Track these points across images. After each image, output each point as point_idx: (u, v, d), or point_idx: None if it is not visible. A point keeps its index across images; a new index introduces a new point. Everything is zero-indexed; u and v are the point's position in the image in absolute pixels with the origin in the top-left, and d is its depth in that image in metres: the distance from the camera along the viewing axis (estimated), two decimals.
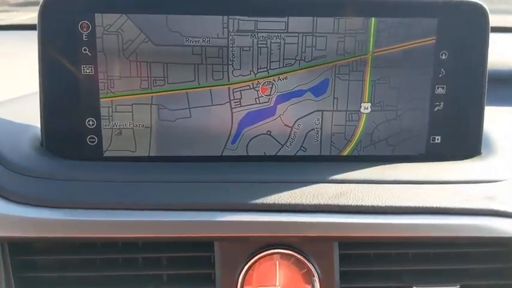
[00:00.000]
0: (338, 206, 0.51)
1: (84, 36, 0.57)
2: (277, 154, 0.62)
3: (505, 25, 1.09)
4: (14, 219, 0.49)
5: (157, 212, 0.50)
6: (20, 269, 0.51)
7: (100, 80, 0.59)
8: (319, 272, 0.52)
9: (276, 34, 0.59)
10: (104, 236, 0.50)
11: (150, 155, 0.60)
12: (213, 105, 0.60)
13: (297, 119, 0.61)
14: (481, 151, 0.62)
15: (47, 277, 0.54)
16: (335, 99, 0.61)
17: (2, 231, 0.49)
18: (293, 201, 0.51)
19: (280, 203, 0.51)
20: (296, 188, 0.53)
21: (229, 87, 0.60)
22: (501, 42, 1.00)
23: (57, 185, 0.52)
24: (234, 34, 0.58)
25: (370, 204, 0.51)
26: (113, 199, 0.51)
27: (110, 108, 0.60)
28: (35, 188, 0.51)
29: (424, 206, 0.52)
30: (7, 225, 0.49)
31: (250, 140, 0.61)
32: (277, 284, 0.52)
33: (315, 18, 0.58)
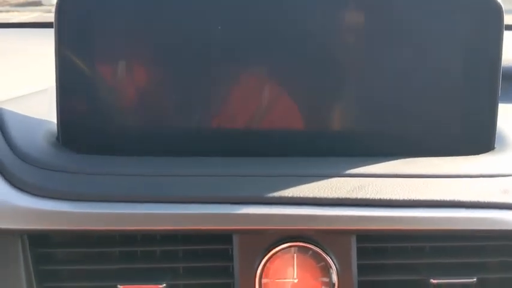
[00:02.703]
0: (356, 199, 0.51)
1: None
2: None
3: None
4: (33, 212, 0.49)
5: (176, 204, 0.50)
6: (39, 262, 0.51)
7: None
8: (337, 265, 0.52)
9: None
10: (122, 229, 0.50)
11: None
12: None
13: None
14: (495, 146, 0.62)
15: (66, 270, 0.54)
16: None
17: (22, 223, 0.49)
18: (311, 195, 0.51)
19: (298, 196, 0.51)
20: (314, 181, 0.53)
21: None
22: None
23: (75, 178, 0.52)
24: None
25: (387, 198, 0.51)
26: (132, 192, 0.51)
27: None
28: (53, 181, 0.51)
29: (441, 199, 0.52)
30: (27, 218, 0.49)
31: None
32: (295, 277, 0.52)
33: None
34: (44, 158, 0.54)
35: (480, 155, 0.61)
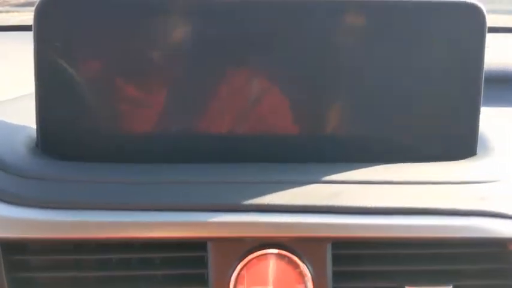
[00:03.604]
0: (331, 206, 0.51)
1: None
2: None
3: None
4: (6, 220, 0.49)
5: (151, 212, 0.50)
6: (12, 269, 0.51)
7: None
8: (312, 272, 0.52)
9: None
10: (96, 237, 0.50)
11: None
12: None
13: None
14: (477, 152, 0.62)
15: (40, 277, 0.54)
16: None
17: None
18: (286, 202, 0.51)
19: (273, 203, 0.51)
20: (290, 188, 0.53)
21: None
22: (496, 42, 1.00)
23: (49, 186, 0.52)
24: None
25: (363, 205, 0.51)
26: (107, 200, 0.51)
27: None
28: (28, 188, 0.51)
29: (417, 207, 0.52)
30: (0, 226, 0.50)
31: None
32: (270, 284, 0.52)
33: None
34: (21, 165, 0.54)
35: (461, 161, 0.60)
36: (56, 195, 0.51)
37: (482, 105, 0.62)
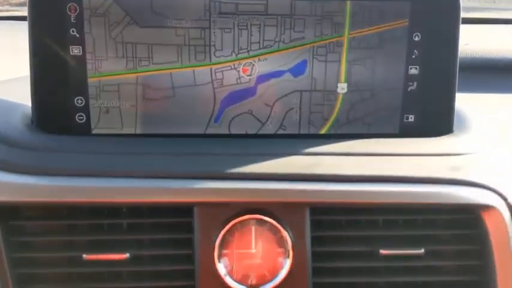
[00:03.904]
0: (310, 174, 0.54)
1: (72, 19, 0.60)
2: (258, 132, 0.65)
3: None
4: (3, 185, 0.52)
5: (141, 179, 0.53)
6: (8, 234, 0.54)
7: (88, 61, 0.61)
8: (292, 236, 0.54)
9: (256, 16, 0.62)
10: (87, 201, 0.53)
11: (136, 132, 0.63)
12: (196, 85, 0.63)
13: (277, 99, 0.64)
14: (453, 130, 0.65)
15: (35, 241, 0.56)
16: (313, 80, 0.64)
17: None
18: (268, 171, 0.54)
19: (256, 172, 0.54)
20: (271, 159, 0.56)
21: (211, 68, 0.63)
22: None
23: (44, 155, 0.55)
24: (215, 16, 0.61)
25: (339, 173, 0.54)
26: (98, 167, 0.54)
27: (98, 88, 0.62)
28: (24, 158, 0.54)
29: (392, 175, 0.55)
30: None
31: (232, 119, 0.64)
32: (253, 248, 0.55)
33: (294, 1, 0.61)
34: (18, 138, 0.57)
35: (437, 137, 0.63)
36: (49, 163, 0.54)
37: (465, 91, 0.65)
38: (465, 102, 0.69)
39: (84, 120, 0.63)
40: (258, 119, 0.65)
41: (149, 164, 0.55)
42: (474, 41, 0.93)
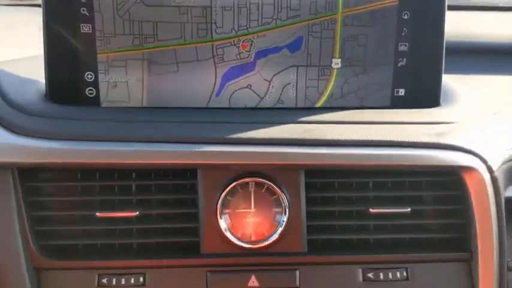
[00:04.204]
0: (304, 139, 0.58)
1: None
2: (257, 106, 0.69)
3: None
4: (21, 149, 0.57)
5: (148, 143, 0.58)
6: (27, 194, 0.59)
7: (97, 38, 0.65)
8: (288, 197, 0.59)
9: None
10: (98, 162, 0.57)
11: (143, 105, 0.67)
12: (198, 60, 0.67)
13: (275, 74, 0.68)
14: (440, 103, 0.69)
15: (51, 201, 0.61)
16: (309, 55, 0.68)
17: (11, 158, 0.57)
18: (266, 136, 0.59)
19: (255, 137, 0.59)
20: (270, 127, 0.60)
21: (212, 44, 0.67)
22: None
23: (58, 122, 0.59)
24: None
25: (332, 138, 0.58)
26: (108, 133, 0.58)
27: (106, 63, 0.66)
28: (40, 124, 0.59)
29: (382, 139, 0.59)
30: (15, 154, 0.57)
31: (232, 93, 0.68)
32: (252, 208, 0.59)
33: None
34: (33, 108, 0.61)
35: (425, 109, 0.67)
36: (64, 129, 0.59)
37: (460, 74, 0.69)
38: (452, 81, 0.73)
39: (94, 94, 0.67)
40: (256, 94, 0.69)
41: (156, 130, 0.59)
42: (463, 27, 0.97)
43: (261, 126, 0.60)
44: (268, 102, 0.69)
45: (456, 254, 0.61)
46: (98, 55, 0.66)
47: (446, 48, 0.67)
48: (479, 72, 0.86)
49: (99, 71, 0.67)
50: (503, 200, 0.61)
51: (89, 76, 0.67)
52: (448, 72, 0.69)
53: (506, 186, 0.64)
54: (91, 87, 0.67)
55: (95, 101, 0.67)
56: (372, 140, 0.59)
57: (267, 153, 0.57)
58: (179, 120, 0.61)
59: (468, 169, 0.59)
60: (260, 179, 0.59)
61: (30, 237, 0.58)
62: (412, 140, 0.59)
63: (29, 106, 0.61)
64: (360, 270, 0.60)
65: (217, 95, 0.68)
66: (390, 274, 0.60)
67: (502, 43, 0.93)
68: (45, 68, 0.65)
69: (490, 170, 0.60)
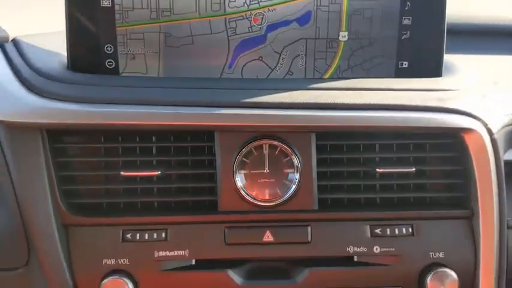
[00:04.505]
0: (316, 103, 0.62)
1: None
2: (268, 77, 0.72)
3: None
4: (49, 111, 0.61)
5: (168, 107, 0.61)
6: (55, 155, 0.63)
7: (116, 12, 0.69)
8: (299, 159, 0.62)
9: None
10: (121, 123, 0.60)
11: (160, 76, 0.71)
12: (212, 33, 0.71)
13: (285, 46, 0.72)
14: (442, 74, 0.72)
15: (78, 161, 0.65)
16: (317, 29, 0.71)
17: (40, 119, 0.61)
18: (279, 100, 0.62)
19: (269, 101, 0.62)
20: (282, 92, 0.64)
21: (225, 18, 0.70)
22: None
23: (82, 87, 0.63)
24: None
25: (341, 102, 0.62)
26: (130, 96, 0.61)
27: (125, 36, 0.70)
28: (65, 89, 0.63)
29: (387, 103, 0.62)
30: (44, 116, 0.61)
31: (244, 65, 0.72)
32: (266, 169, 0.63)
33: None
34: (59, 75, 0.65)
35: (428, 79, 0.71)
36: (88, 93, 0.62)
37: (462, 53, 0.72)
38: (453, 59, 0.77)
39: (113, 65, 0.70)
40: (267, 65, 0.72)
41: (174, 95, 0.62)
42: (466, 9, 1.01)
43: (273, 92, 0.64)
44: (278, 73, 0.72)
45: (458, 212, 0.65)
46: (117, 28, 0.69)
47: (447, 30, 0.70)
48: (480, 53, 0.90)
49: (118, 44, 0.70)
50: (502, 163, 0.65)
51: (109, 48, 0.70)
52: (449, 52, 0.72)
53: (505, 150, 0.68)
54: (110, 59, 0.70)
55: (114, 72, 0.70)
56: (378, 104, 0.62)
57: (280, 116, 0.61)
58: (196, 86, 0.65)
59: (469, 131, 0.62)
60: (273, 141, 0.62)
61: (58, 196, 0.62)
62: (416, 104, 0.62)
63: (54, 74, 0.64)
64: (368, 226, 0.64)
65: (230, 67, 0.72)
66: (396, 230, 0.63)
67: (502, 25, 0.97)
68: (67, 40, 0.69)
69: (489, 132, 0.63)
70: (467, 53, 0.88)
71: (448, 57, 0.72)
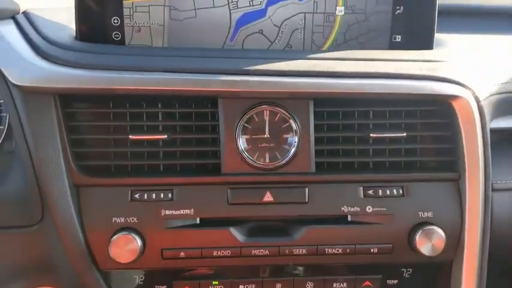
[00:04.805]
0: (314, 71, 0.66)
1: None
2: (268, 49, 0.76)
3: None
4: (61, 76, 0.64)
5: (174, 73, 0.65)
6: (67, 119, 0.66)
7: None
8: (298, 124, 0.66)
9: None
10: (130, 88, 0.64)
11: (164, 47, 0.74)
12: (214, 7, 0.74)
13: (284, 20, 0.75)
14: (433, 48, 0.76)
15: (88, 125, 0.68)
16: (315, 3, 0.75)
17: (53, 84, 0.64)
18: (279, 68, 0.66)
19: (269, 69, 0.66)
20: (282, 61, 0.67)
21: None
22: None
23: (91, 55, 0.66)
24: None
25: (338, 70, 0.66)
26: (137, 63, 0.65)
27: (131, 9, 0.73)
28: (75, 56, 0.66)
29: (381, 71, 0.66)
30: (56, 81, 0.64)
31: (245, 38, 0.75)
32: (267, 134, 0.67)
33: None
34: (68, 44, 0.68)
35: (420, 51, 0.74)
36: (97, 61, 0.66)
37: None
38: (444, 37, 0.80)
39: (120, 38, 0.73)
40: (267, 38, 0.76)
41: (180, 62, 0.66)
42: None
43: (274, 61, 0.67)
44: (278, 46, 0.76)
45: (446, 174, 0.69)
46: (124, 1, 0.72)
47: (440, 11, 0.74)
48: (472, 32, 0.93)
49: (124, 16, 0.73)
50: (488, 129, 0.69)
51: (115, 21, 0.73)
52: (441, 32, 0.76)
53: (492, 118, 0.72)
54: (117, 32, 0.73)
55: (121, 44, 0.73)
56: (373, 72, 0.66)
57: (281, 83, 0.65)
58: (200, 55, 0.68)
59: (457, 98, 0.66)
60: (274, 107, 0.66)
61: (70, 157, 0.65)
62: (408, 73, 0.66)
63: (64, 43, 0.68)
64: (361, 188, 0.68)
65: (231, 40, 0.75)
66: (388, 191, 0.68)
67: (494, 6, 1.01)
68: (75, 12, 0.72)
69: (476, 99, 0.67)
70: (459, 33, 0.92)
71: (439, 35, 0.76)
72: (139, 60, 0.66)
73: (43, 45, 0.66)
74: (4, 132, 0.66)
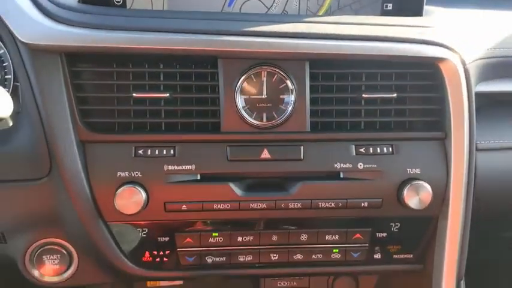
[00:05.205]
0: (309, 33, 0.69)
1: None
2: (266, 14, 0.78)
3: None
4: (67, 35, 0.67)
5: (175, 34, 0.68)
6: (73, 77, 0.69)
7: None
8: (295, 85, 0.70)
9: None
10: (133, 47, 0.67)
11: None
12: None
13: None
14: (423, 15, 0.80)
15: (93, 84, 0.71)
16: None
17: (60, 42, 0.67)
18: (277, 30, 0.69)
19: (267, 30, 0.69)
20: (279, 24, 0.70)
21: None
22: None
23: (95, 16, 0.69)
24: None
25: (332, 32, 0.69)
26: (140, 24, 0.68)
27: None
28: (80, 17, 0.69)
29: (372, 34, 0.70)
30: (63, 39, 0.67)
31: (242, 4, 0.78)
32: (264, 94, 0.70)
33: None
34: (72, 5, 0.71)
35: (410, 17, 0.78)
36: (100, 21, 0.68)
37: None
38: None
39: (121, 2, 0.76)
40: (264, 4, 0.78)
41: (180, 23, 0.69)
42: None
43: (271, 23, 0.70)
44: (274, 12, 0.79)
45: (433, 133, 0.73)
46: None
47: None
48: (462, 7, 0.97)
49: None
50: (473, 92, 0.73)
51: None
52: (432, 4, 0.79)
53: (478, 81, 0.76)
54: None
55: (122, 7, 0.76)
56: (365, 35, 0.70)
57: (278, 43, 0.68)
58: (199, 17, 0.71)
59: (444, 60, 0.70)
60: (271, 68, 0.69)
61: (77, 114, 0.68)
62: (398, 36, 0.70)
63: (68, 4, 0.70)
64: (353, 146, 0.72)
65: (229, 5, 0.78)
66: (378, 149, 0.72)
67: None
68: None
69: (463, 62, 0.71)
70: (446, 6, 0.95)
71: (430, 7, 0.79)
72: (142, 21, 0.69)
73: (49, 6, 0.69)
74: (12, 84, 0.68)
